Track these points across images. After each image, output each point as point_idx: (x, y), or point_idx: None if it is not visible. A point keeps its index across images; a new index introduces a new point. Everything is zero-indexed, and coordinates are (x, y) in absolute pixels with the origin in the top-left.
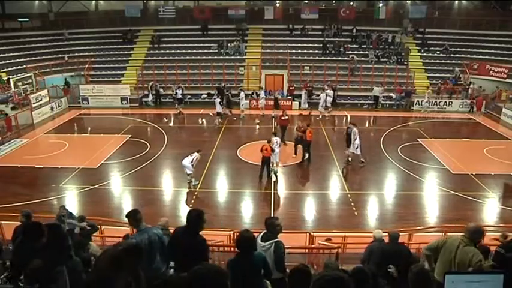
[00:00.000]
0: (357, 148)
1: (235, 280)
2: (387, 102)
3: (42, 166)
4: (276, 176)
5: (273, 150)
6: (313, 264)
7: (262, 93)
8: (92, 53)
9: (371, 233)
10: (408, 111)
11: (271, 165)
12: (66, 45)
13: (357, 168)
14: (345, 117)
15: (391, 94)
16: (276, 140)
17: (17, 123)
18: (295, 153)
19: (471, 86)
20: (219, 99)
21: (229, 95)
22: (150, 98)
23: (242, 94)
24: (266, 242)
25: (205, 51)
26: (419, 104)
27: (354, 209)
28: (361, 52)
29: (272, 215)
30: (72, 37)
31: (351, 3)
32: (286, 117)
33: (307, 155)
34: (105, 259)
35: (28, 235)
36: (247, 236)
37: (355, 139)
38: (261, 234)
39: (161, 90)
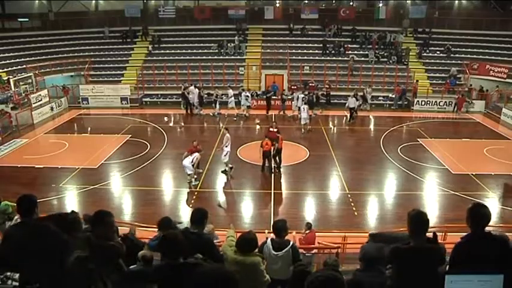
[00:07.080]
0: (225, 155)
1: None
2: (387, 102)
3: (42, 166)
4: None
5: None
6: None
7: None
8: (92, 53)
9: None
10: (408, 111)
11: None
12: (66, 45)
13: (355, 168)
14: (344, 118)
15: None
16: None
17: (18, 123)
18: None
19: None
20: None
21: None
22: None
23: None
24: (281, 250)
25: (205, 51)
26: (419, 104)
27: (354, 209)
28: (361, 52)
29: (272, 216)
30: (72, 37)
31: (351, 3)
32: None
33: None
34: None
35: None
36: (249, 238)
37: (226, 146)
38: (270, 243)
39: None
